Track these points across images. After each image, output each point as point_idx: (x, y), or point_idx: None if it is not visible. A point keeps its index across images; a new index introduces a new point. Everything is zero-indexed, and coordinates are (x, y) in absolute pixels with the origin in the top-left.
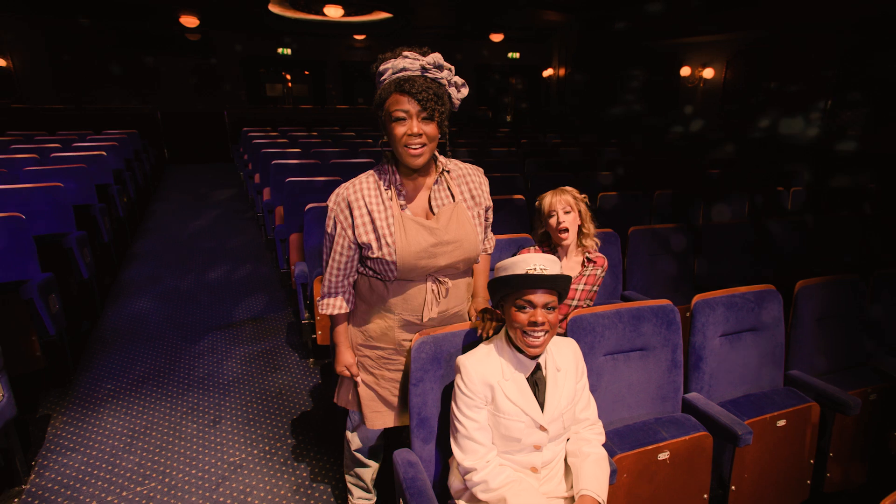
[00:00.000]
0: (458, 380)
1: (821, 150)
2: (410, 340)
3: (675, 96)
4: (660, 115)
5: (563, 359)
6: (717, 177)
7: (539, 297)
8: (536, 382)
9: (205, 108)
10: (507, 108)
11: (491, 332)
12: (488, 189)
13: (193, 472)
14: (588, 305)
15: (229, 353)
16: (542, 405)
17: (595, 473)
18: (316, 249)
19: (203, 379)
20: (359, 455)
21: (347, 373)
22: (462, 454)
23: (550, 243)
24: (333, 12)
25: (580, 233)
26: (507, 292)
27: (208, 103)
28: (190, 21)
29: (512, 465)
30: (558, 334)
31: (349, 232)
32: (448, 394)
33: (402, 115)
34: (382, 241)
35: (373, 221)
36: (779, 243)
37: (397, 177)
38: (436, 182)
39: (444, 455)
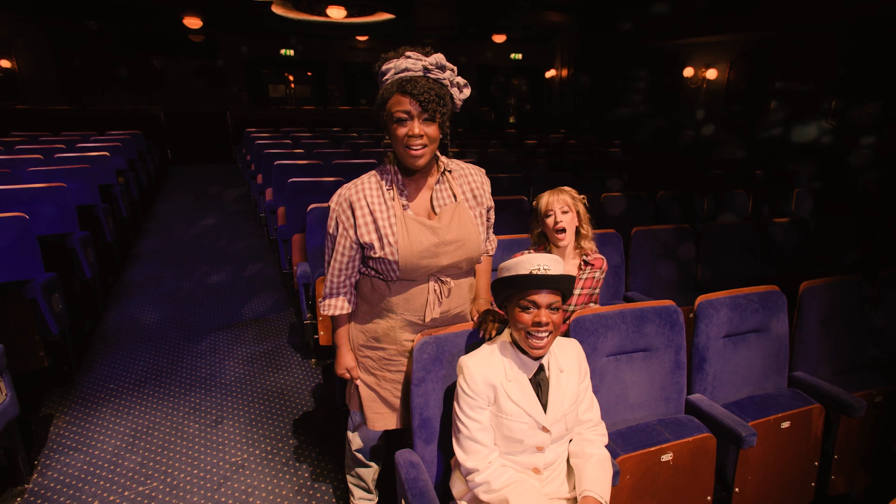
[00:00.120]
0: (460, 380)
1: (825, 151)
2: (413, 341)
3: (678, 97)
4: (663, 115)
5: (567, 360)
6: (720, 177)
7: (543, 298)
8: (539, 383)
9: (208, 108)
10: (509, 109)
11: (493, 333)
12: (490, 189)
13: (195, 471)
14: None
15: (231, 354)
16: (544, 406)
17: (598, 474)
18: (318, 250)
19: (205, 379)
20: (360, 455)
21: (347, 375)
22: (464, 455)
23: (547, 245)
24: (336, 13)
25: (578, 234)
26: (511, 292)
27: (211, 104)
28: (193, 22)
29: (514, 467)
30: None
31: (351, 232)
32: (450, 394)
33: (403, 115)
34: (385, 241)
35: (375, 221)
36: (781, 244)
37: (399, 177)
38: (437, 182)
39: (445, 456)
